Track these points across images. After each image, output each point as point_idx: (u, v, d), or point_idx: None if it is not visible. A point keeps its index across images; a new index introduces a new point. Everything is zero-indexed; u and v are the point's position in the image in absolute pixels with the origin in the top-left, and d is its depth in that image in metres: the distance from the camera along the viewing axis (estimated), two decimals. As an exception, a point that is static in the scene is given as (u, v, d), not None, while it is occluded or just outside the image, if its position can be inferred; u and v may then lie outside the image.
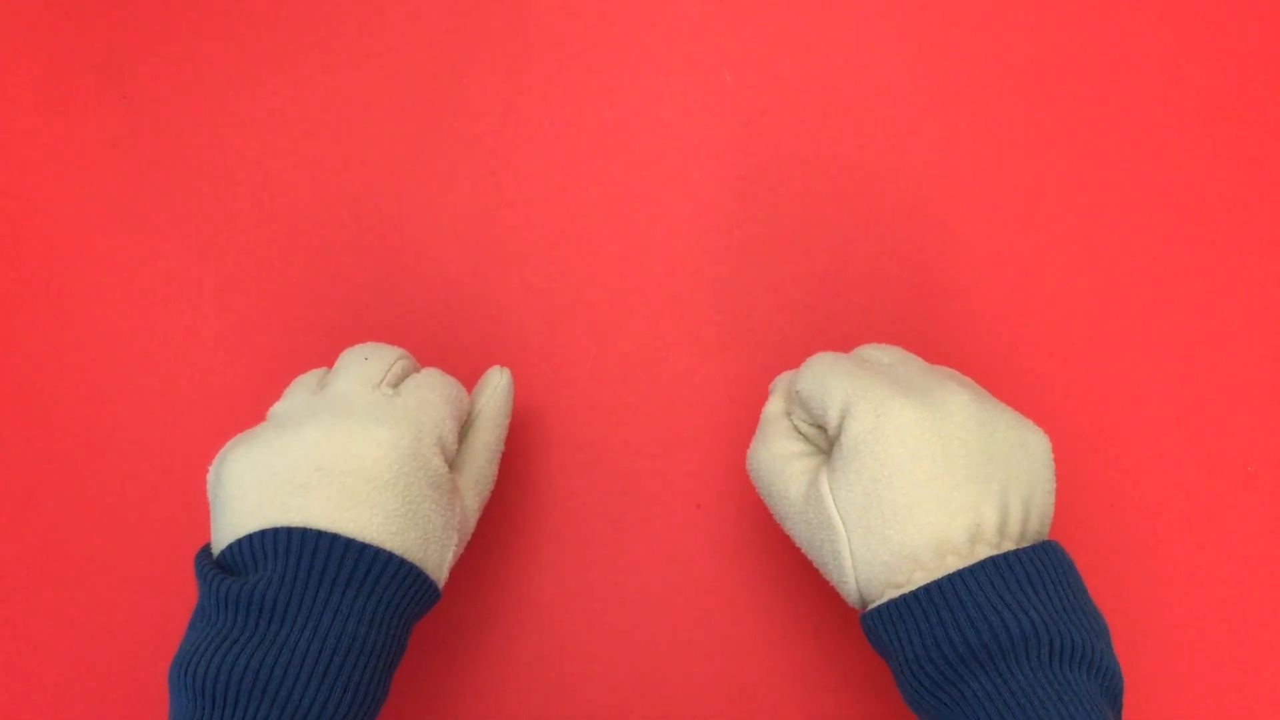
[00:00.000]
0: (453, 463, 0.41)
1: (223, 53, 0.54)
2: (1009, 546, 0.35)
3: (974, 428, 0.36)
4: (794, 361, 0.44)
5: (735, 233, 0.51)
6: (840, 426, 0.37)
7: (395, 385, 0.40)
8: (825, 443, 0.40)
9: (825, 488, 0.37)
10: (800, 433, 0.40)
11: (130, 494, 0.50)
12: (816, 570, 0.38)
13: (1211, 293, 0.50)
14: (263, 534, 0.36)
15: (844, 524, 0.36)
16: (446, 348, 0.50)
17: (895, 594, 0.35)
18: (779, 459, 0.39)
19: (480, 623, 0.48)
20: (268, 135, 0.53)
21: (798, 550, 0.45)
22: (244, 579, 0.36)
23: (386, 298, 0.51)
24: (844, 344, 0.44)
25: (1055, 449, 0.38)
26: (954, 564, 0.34)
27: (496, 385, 0.44)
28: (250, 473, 0.37)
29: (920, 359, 0.40)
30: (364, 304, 0.51)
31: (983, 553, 0.34)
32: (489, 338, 0.51)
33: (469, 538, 0.42)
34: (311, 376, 0.41)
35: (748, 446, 0.42)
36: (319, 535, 0.35)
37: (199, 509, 0.50)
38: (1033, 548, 0.35)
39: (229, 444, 0.39)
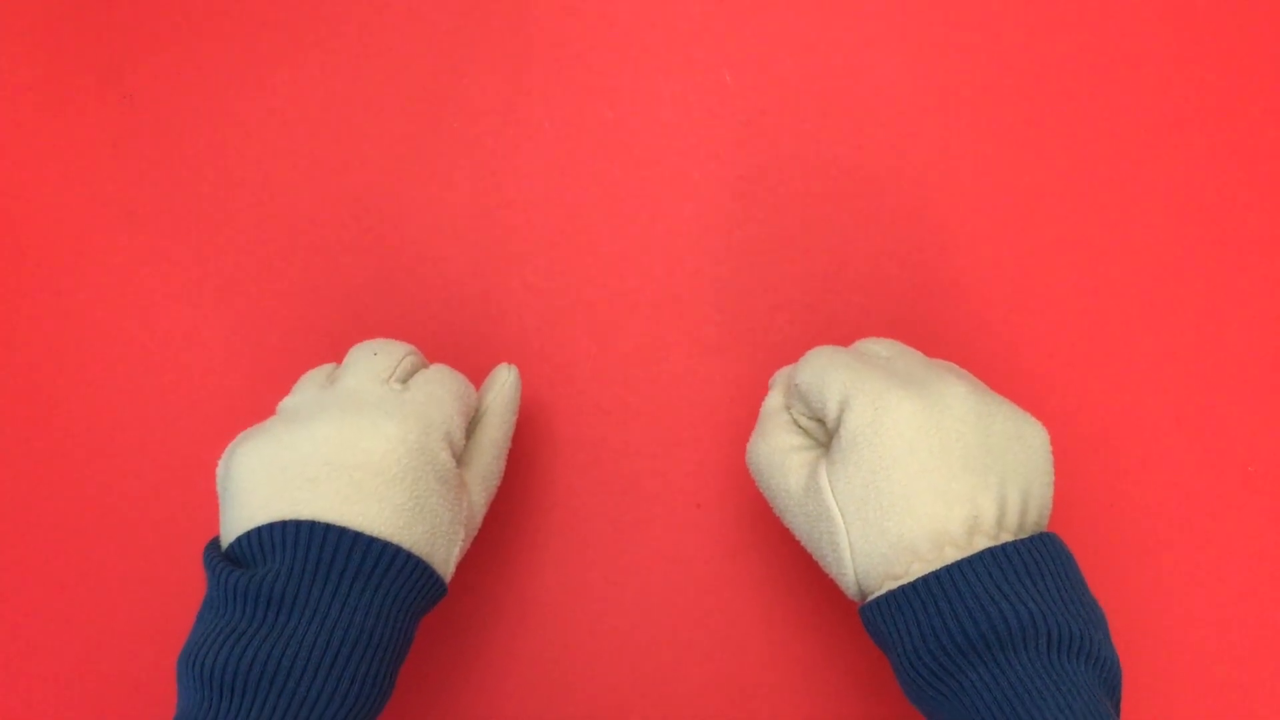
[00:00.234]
0: (460, 458, 0.41)
1: (223, 53, 0.54)
2: (1007, 538, 0.35)
3: (972, 420, 0.36)
4: (794, 361, 0.44)
5: (735, 233, 0.51)
6: (839, 419, 0.37)
7: (404, 381, 0.40)
8: (824, 436, 0.40)
9: (824, 480, 0.37)
10: (799, 426, 0.40)
11: (130, 494, 0.50)
12: (816, 570, 0.39)
13: (1211, 293, 0.50)
14: (271, 527, 0.36)
15: (843, 516, 0.36)
16: (446, 348, 0.50)
17: (894, 585, 0.35)
18: (778, 452, 0.39)
19: (481, 622, 0.48)
20: (268, 135, 0.53)
21: (797, 549, 0.45)
22: (252, 571, 0.36)
23: (386, 298, 0.51)
24: (843, 344, 0.44)
25: (1055, 449, 0.38)
26: (952, 555, 0.34)
27: (504, 382, 0.44)
28: (260, 466, 0.37)
29: (919, 353, 0.41)
30: (364, 304, 0.51)
31: (981, 544, 0.35)
32: (489, 338, 0.51)
33: (476, 533, 0.42)
34: (320, 372, 0.42)
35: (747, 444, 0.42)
36: (327, 528, 0.36)
37: (199, 509, 0.50)
38: (1030, 539, 0.35)
39: (238, 438, 0.39)
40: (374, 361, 0.40)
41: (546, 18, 0.53)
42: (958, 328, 0.50)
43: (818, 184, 0.51)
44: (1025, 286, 0.50)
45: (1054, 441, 0.38)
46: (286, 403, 0.40)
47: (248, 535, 0.37)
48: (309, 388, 0.40)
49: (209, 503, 0.49)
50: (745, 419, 0.49)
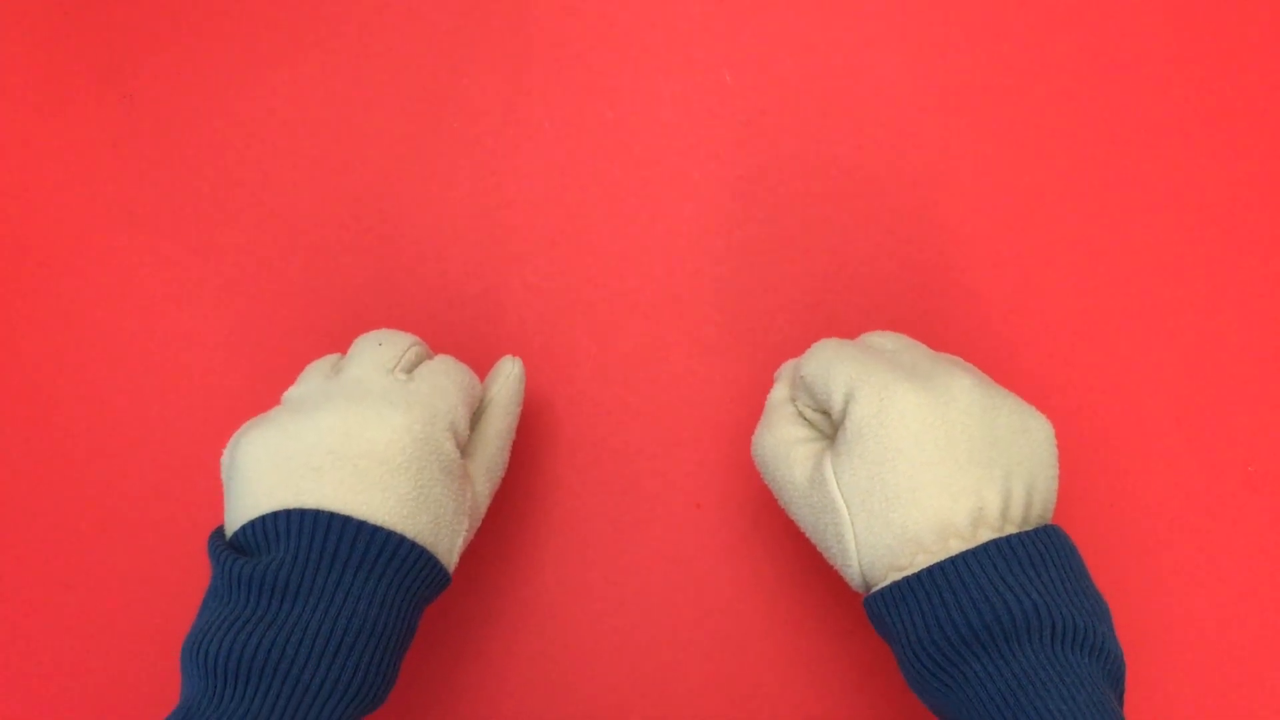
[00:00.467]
0: (464, 449, 0.42)
1: (223, 53, 0.54)
2: (1011, 530, 0.35)
3: (977, 412, 0.36)
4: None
5: (735, 233, 0.51)
6: (844, 411, 0.37)
7: (409, 371, 0.41)
8: (829, 428, 0.40)
9: (829, 472, 0.37)
10: (805, 419, 0.40)
11: (130, 494, 0.50)
12: (816, 569, 0.39)
13: (1211, 293, 0.50)
14: (275, 515, 0.36)
15: (848, 507, 0.36)
16: (447, 348, 0.50)
17: (898, 576, 0.35)
18: (784, 444, 0.39)
19: (481, 621, 0.48)
20: (268, 135, 0.53)
21: (798, 549, 0.45)
22: (256, 559, 0.36)
23: (386, 298, 0.51)
24: (844, 344, 0.44)
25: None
26: (956, 547, 0.35)
27: (509, 374, 0.44)
28: (264, 455, 0.37)
29: (924, 346, 0.41)
30: (364, 304, 0.51)
31: (985, 536, 0.35)
32: (489, 338, 0.51)
33: (480, 523, 0.42)
34: (325, 362, 0.42)
35: (748, 446, 0.42)
36: (331, 517, 0.36)
37: (200, 508, 0.50)
38: (1035, 531, 0.35)
39: (243, 427, 0.39)
40: (379, 352, 0.40)
41: (546, 18, 0.53)
42: (958, 328, 0.50)
43: (818, 184, 0.51)
44: (1025, 286, 0.50)
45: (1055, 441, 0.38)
46: (291, 392, 0.40)
47: (252, 524, 0.37)
48: (314, 378, 0.40)
49: (209, 502, 0.49)
50: (745, 419, 0.49)
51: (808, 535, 0.39)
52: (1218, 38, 0.52)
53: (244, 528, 0.37)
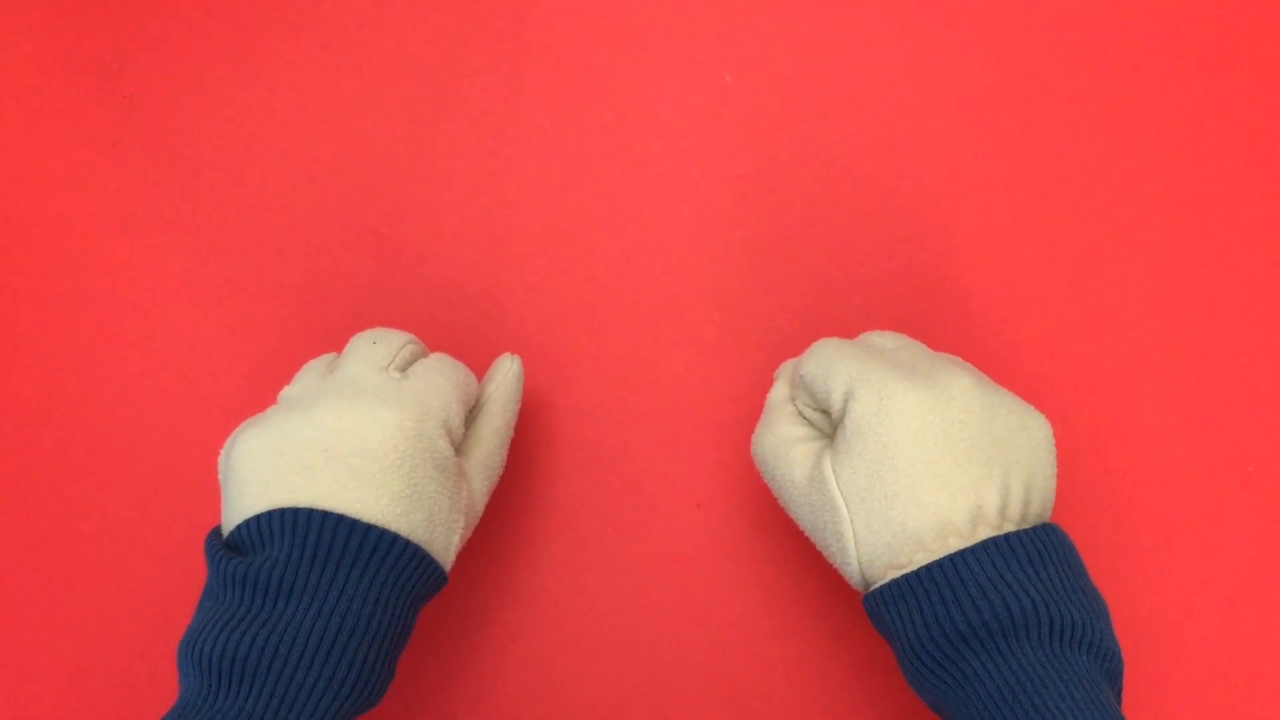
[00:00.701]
0: (460, 447, 0.41)
1: (223, 53, 0.54)
2: (1010, 528, 0.35)
3: (976, 411, 0.36)
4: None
5: (735, 233, 0.51)
6: (844, 409, 0.37)
7: (403, 369, 0.41)
8: (829, 428, 0.40)
9: (828, 470, 0.37)
10: (804, 417, 0.41)
11: (130, 494, 0.50)
12: (816, 569, 0.39)
13: (1211, 293, 0.50)
14: (270, 514, 0.36)
15: (847, 506, 0.36)
16: (446, 348, 0.50)
17: (897, 574, 0.35)
18: (783, 443, 0.40)
19: (480, 621, 0.48)
20: (268, 135, 0.53)
21: (797, 549, 0.45)
22: (251, 558, 0.36)
23: (386, 298, 0.51)
24: (844, 343, 0.44)
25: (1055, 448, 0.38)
26: (955, 545, 0.35)
27: (507, 371, 0.44)
28: (259, 454, 0.37)
29: (924, 345, 0.41)
30: (364, 304, 0.51)
31: (984, 534, 0.35)
32: (489, 338, 0.51)
33: (477, 521, 0.42)
34: (321, 361, 0.42)
35: (748, 446, 0.42)
36: (325, 515, 0.36)
37: (198, 508, 0.50)
38: (1033, 529, 0.35)
39: (240, 427, 0.39)
40: (373, 350, 0.40)
41: (546, 18, 0.53)
42: (958, 328, 0.50)
43: (818, 184, 0.51)
44: (1025, 286, 0.50)
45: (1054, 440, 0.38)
46: (287, 391, 0.40)
47: (247, 523, 0.37)
48: (309, 376, 0.41)
49: (209, 502, 0.49)
50: (745, 419, 0.49)
51: (807, 534, 0.39)
52: (1217, 38, 0.52)
53: (239, 527, 0.37)
